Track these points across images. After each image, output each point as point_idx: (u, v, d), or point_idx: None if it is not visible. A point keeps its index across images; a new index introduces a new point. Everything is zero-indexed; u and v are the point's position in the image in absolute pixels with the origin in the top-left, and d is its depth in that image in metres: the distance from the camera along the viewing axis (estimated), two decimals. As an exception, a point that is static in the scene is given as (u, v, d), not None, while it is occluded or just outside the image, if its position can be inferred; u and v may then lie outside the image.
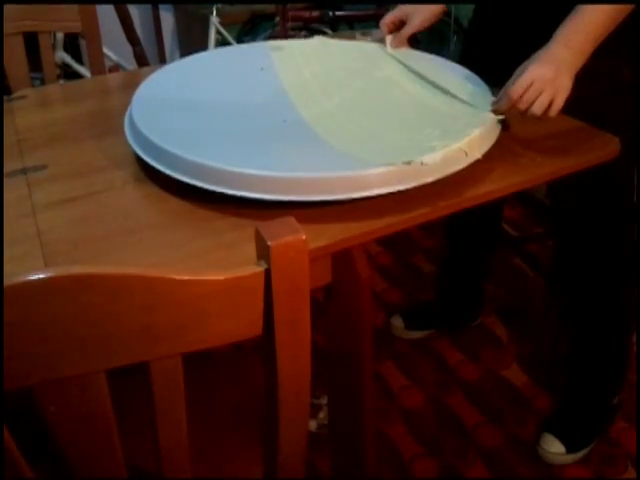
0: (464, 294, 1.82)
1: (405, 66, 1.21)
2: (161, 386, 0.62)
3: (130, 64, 2.73)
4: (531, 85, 0.98)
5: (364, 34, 1.40)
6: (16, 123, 1.16)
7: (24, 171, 1.00)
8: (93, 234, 0.86)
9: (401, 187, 0.88)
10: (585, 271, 1.38)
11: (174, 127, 1.00)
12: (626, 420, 1.54)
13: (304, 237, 0.58)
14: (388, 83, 1.17)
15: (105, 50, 1.91)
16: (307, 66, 1.22)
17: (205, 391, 0.96)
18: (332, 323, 1.03)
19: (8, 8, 1.48)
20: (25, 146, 1.08)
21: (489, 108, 1.02)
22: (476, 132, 0.94)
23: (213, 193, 0.88)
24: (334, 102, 1.10)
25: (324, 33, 2.86)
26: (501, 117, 1.00)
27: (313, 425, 1.44)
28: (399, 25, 1.27)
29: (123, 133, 1.04)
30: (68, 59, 2.66)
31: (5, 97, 1.28)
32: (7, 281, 0.52)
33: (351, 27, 3.15)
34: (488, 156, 0.96)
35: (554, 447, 1.45)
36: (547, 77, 0.98)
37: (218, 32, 2.88)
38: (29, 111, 1.23)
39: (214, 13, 2.85)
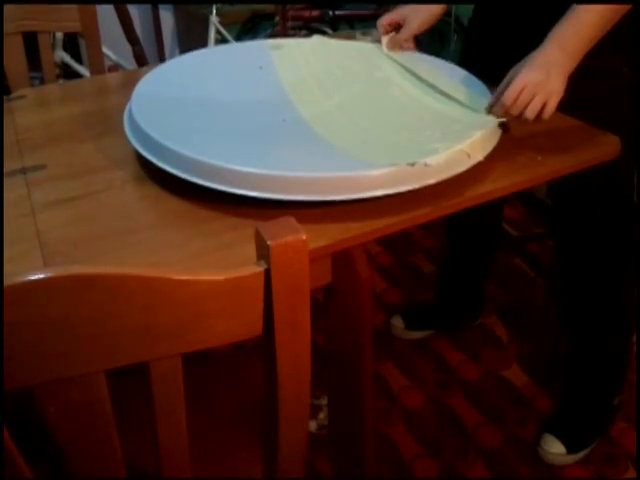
0: (464, 294, 1.82)
1: (404, 67, 1.21)
2: (161, 386, 0.62)
3: (130, 64, 2.73)
4: (523, 90, 0.98)
5: (364, 34, 1.39)
6: (15, 123, 1.16)
7: (23, 171, 1.00)
8: (93, 234, 0.86)
9: (404, 188, 0.88)
10: (585, 271, 1.38)
11: (173, 124, 1.00)
12: (626, 420, 1.54)
13: (304, 237, 0.58)
14: (388, 84, 1.17)
15: (104, 50, 1.91)
16: (306, 65, 1.22)
17: (205, 391, 0.96)
18: (332, 323, 1.03)
19: (8, 8, 1.48)
20: (24, 146, 1.08)
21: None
22: (478, 134, 0.94)
23: (213, 193, 0.88)
24: (334, 102, 1.10)
25: (324, 33, 2.85)
26: (502, 120, 1.00)
27: (313, 425, 1.44)
28: (396, 27, 1.27)
29: (122, 133, 1.03)
30: (67, 59, 2.65)
31: (4, 97, 1.28)
32: (7, 281, 0.52)
33: (351, 27, 3.15)
34: (489, 156, 0.96)
35: (554, 447, 1.45)
36: (538, 81, 0.98)
37: (218, 32, 2.88)
38: (28, 111, 1.23)
39: (214, 13, 2.84)
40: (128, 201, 0.94)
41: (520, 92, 0.98)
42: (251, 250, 0.60)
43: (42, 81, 1.65)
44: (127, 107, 1.06)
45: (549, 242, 1.94)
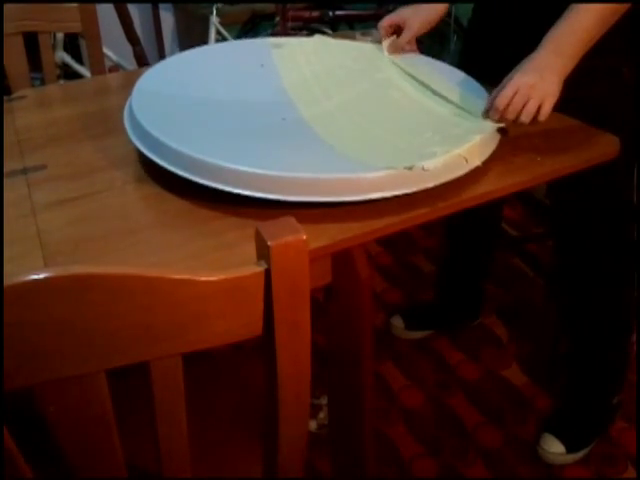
0: (464, 294, 1.82)
1: (404, 70, 1.20)
2: (161, 386, 0.62)
3: (130, 64, 2.73)
4: (516, 94, 0.98)
5: (364, 34, 1.39)
6: (16, 123, 1.16)
7: (24, 171, 1.00)
8: (93, 234, 0.86)
9: (401, 192, 0.88)
10: (585, 271, 1.38)
11: (173, 121, 1.00)
12: (626, 420, 1.54)
13: (304, 237, 0.58)
14: (388, 85, 1.17)
15: (105, 50, 1.91)
16: (307, 64, 1.22)
17: (205, 391, 0.96)
18: (332, 323, 1.03)
19: (8, 8, 1.48)
20: (25, 146, 1.08)
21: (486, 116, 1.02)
22: (477, 139, 0.94)
23: (213, 193, 0.88)
24: (334, 102, 1.10)
25: (324, 33, 2.84)
26: (501, 125, 1.00)
27: (313, 425, 1.44)
28: (397, 29, 1.27)
29: (123, 133, 1.03)
30: (68, 59, 2.65)
31: (5, 97, 1.28)
32: (7, 281, 0.52)
33: (351, 27, 3.14)
34: (487, 159, 0.96)
35: (554, 447, 1.45)
36: (531, 84, 0.98)
37: (218, 32, 2.88)
38: (29, 111, 1.23)
39: (214, 13, 2.84)
40: (128, 201, 0.94)
41: (513, 96, 0.98)
42: (251, 250, 0.60)
43: (43, 81, 1.65)
44: (127, 103, 1.06)
45: (549, 242, 1.94)
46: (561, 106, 1.01)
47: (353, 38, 1.37)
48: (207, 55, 1.27)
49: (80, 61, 2.74)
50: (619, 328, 1.45)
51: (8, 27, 1.49)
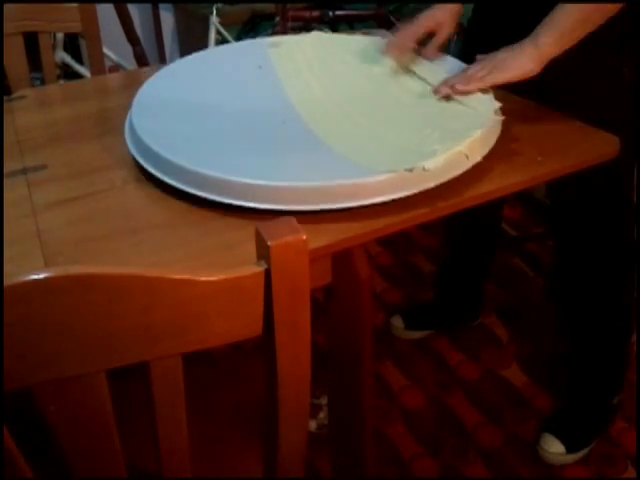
0: (464, 294, 1.82)
1: (402, 65, 1.20)
2: (161, 386, 0.62)
3: (130, 64, 2.73)
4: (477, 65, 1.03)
5: (364, 34, 1.39)
6: (16, 123, 1.16)
7: (24, 171, 1.00)
8: (93, 234, 0.86)
9: (403, 194, 0.87)
10: (585, 271, 1.38)
11: (174, 133, 1.00)
12: (626, 420, 1.54)
13: (304, 237, 0.59)
14: (387, 80, 1.16)
15: (105, 50, 1.91)
16: (305, 63, 1.22)
17: (205, 391, 0.96)
18: (332, 323, 1.03)
19: (8, 8, 1.48)
20: (25, 146, 1.08)
21: (489, 110, 1.02)
22: (477, 134, 0.94)
23: (213, 193, 0.88)
24: (333, 100, 1.10)
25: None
26: (502, 117, 1.00)
27: (313, 425, 1.44)
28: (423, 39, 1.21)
29: (123, 133, 1.04)
30: (68, 59, 2.65)
31: (5, 97, 1.28)
32: (7, 281, 0.52)
33: (351, 27, 3.14)
34: (488, 156, 0.96)
35: (554, 447, 1.45)
36: (499, 57, 1.02)
37: (218, 32, 2.88)
38: (29, 111, 1.23)
39: (214, 13, 2.84)
40: (129, 201, 0.94)
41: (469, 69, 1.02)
42: (251, 250, 0.60)
43: (43, 81, 1.66)
44: (128, 116, 1.06)
45: (549, 242, 1.94)
46: (561, 106, 1.01)
47: (353, 38, 1.36)
48: (205, 61, 1.26)
49: (80, 61, 2.74)
50: (619, 328, 1.45)
51: (8, 27, 1.49)
